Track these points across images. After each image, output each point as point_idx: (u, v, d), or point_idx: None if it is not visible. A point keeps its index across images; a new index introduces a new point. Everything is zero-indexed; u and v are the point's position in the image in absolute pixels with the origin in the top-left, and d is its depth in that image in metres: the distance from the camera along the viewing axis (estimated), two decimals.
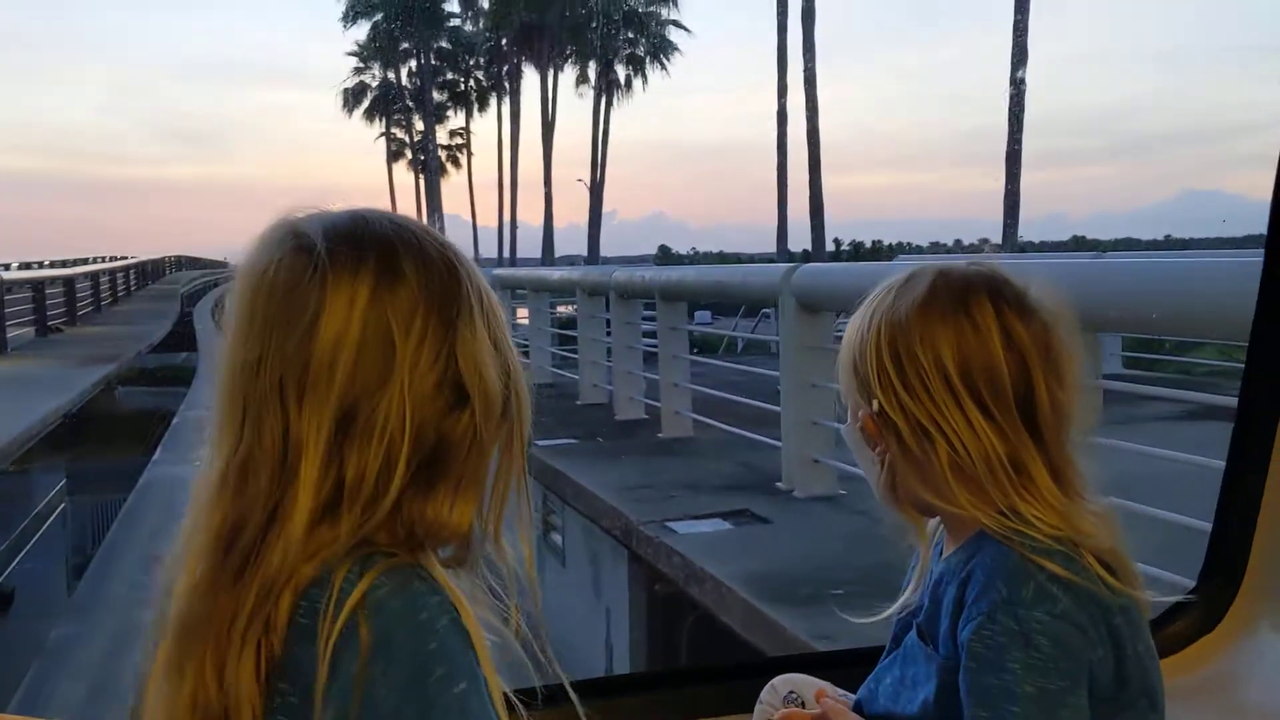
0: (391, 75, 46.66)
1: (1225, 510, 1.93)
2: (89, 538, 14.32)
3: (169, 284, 41.02)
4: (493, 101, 47.25)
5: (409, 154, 48.44)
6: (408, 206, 47.80)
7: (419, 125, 47.84)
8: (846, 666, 1.61)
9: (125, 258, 37.89)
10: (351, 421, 0.86)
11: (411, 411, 0.87)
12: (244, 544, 0.86)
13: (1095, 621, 1.11)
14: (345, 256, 0.88)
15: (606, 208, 44.48)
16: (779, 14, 29.88)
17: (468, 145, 48.35)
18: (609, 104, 41.62)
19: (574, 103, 43.07)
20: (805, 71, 28.96)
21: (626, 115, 42.25)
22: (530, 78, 44.46)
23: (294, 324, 0.87)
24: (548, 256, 39.97)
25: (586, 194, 41.15)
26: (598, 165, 40.65)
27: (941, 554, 1.27)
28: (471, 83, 47.71)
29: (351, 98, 46.99)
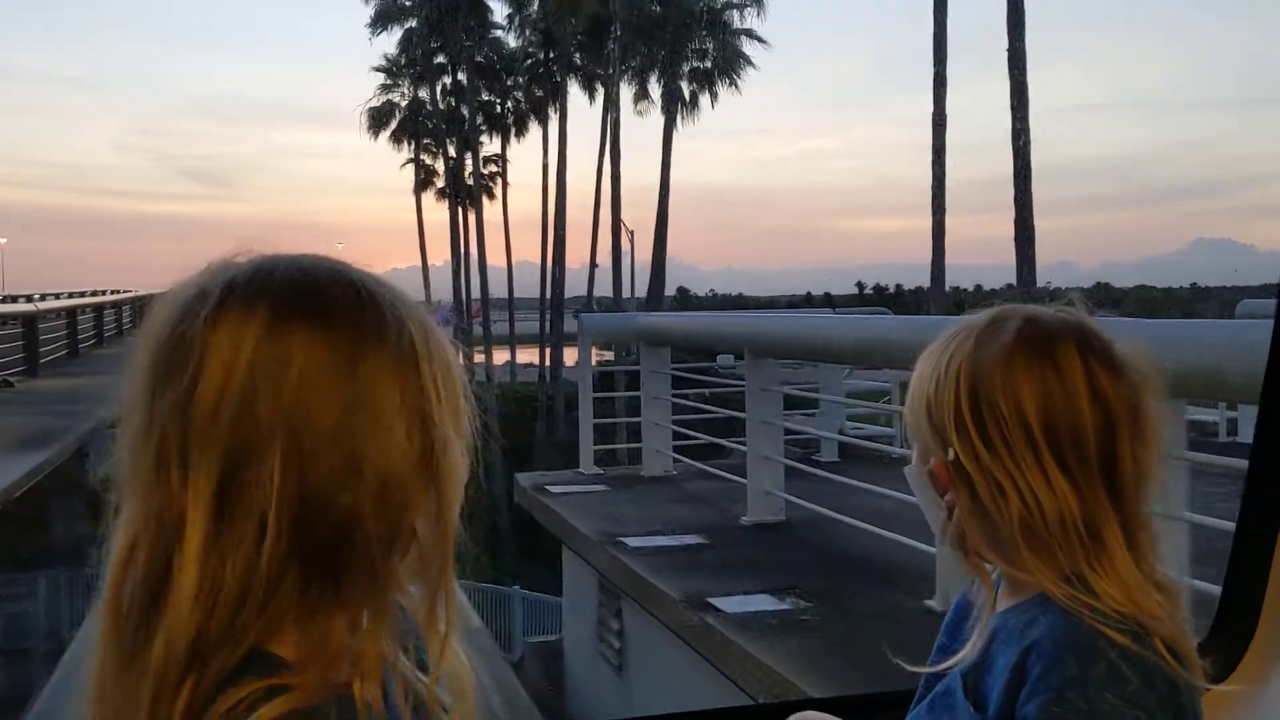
0: (423, 94, 41.94)
1: (1238, 562, 1.94)
2: (64, 622, 13.11)
3: None
4: (532, 126, 42.44)
5: (438, 183, 43.50)
6: (440, 242, 42.80)
7: (452, 151, 43.05)
8: (870, 711, 1.67)
9: (123, 292, 34.00)
10: (230, 492, 0.76)
11: (289, 480, 0.76)
12: (131, 629, 0.78)
13: (1164, 703, 1.08)
14: (238, 298, 0.79)
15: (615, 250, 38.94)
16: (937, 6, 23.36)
17: (503, 174, 43.44)
18: (672, 125, 36.46)
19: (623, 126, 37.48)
20: (1012, 79, 21.73)
21: (638, 154, 36.36)
22: (577, 99, 39.67)
23: (178, 375, 0.78)
24: (617, 298, 34.69)
25: (619, 231, 35.94)
26: (664, 194, 35.45)
27: (994, 600, 1.23)
28: (509, 104, 42.96)
29: (378, 119, 42.25)
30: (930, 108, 23.30)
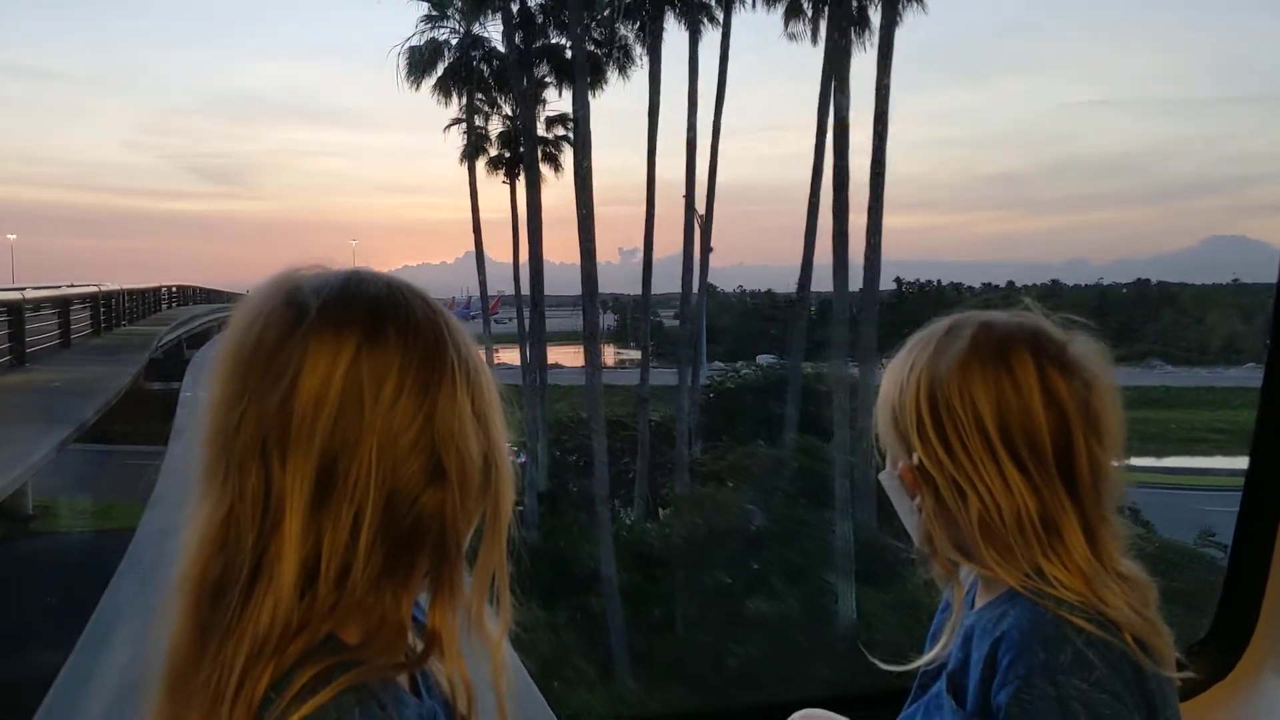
0: (483, 30, 32.01)
1: (1237, 563, 1.97)
2: None
3: (154, 324, 27.09)
4: (612, 78, 32.49)
5: (490, 150, 33.47)
6: (502, 239, 32.85)
7: (504, 109, 33.12)
8: (869, 708, 1.69)
9: (71, 286, 24.78)
10: (329, 484, 0.87)
11: (380, 476, 0.88)
12: (230, 599, 0.86)
13: (1130, 688, 1.10)
14: (332, 315, 0.90)
15: (627, 245, 29.80)
16: None
17: (576, 140, 33.40)
18: (887, 57, 25.87)
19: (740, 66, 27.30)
20: None
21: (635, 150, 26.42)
22: (676, 37, 29.70)
23: (278, 379, 0.88)
24: (839, 291, 24.13)
25: (682, 216, 25.52)
26: (881, 140, 24.86)
27: (974, 603, 1.28)
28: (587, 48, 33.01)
29: (419, 61, 32.29)
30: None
